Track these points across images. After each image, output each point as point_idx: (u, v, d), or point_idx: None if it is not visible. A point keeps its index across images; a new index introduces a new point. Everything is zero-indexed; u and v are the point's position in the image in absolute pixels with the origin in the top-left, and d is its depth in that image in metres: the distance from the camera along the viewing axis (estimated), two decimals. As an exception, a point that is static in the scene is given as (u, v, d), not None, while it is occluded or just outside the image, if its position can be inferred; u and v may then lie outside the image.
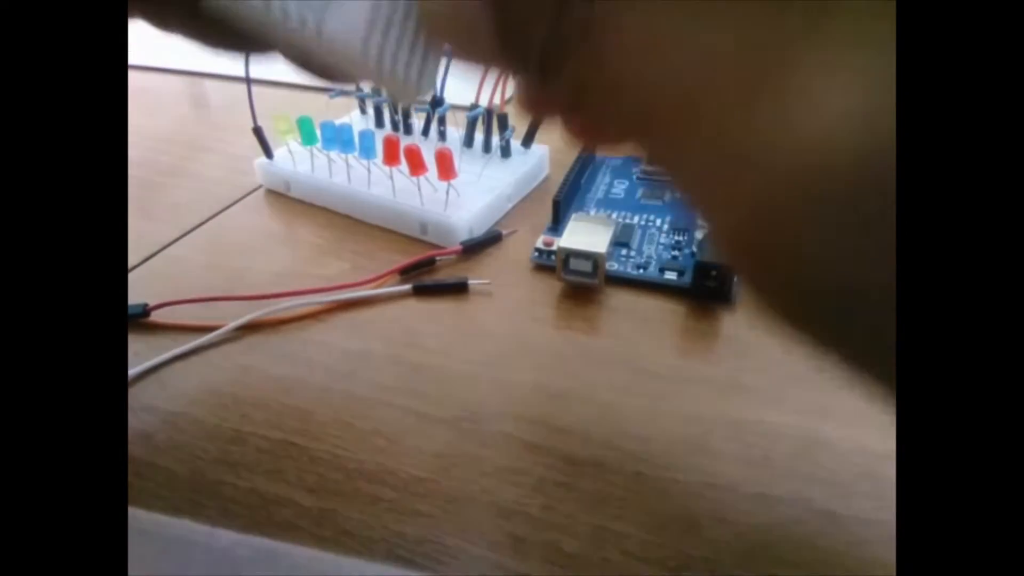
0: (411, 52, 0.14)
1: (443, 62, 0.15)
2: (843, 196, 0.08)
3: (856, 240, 0.08)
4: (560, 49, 0.11)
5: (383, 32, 0.14)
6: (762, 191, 0.09)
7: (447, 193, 0.27)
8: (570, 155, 0.30)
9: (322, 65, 0.15)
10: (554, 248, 0.24)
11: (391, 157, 0.27)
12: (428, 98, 0.15)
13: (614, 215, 0.28)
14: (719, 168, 0.10)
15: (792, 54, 0.09)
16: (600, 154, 0.15)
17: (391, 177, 0.28)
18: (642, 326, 0.23)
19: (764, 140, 0.09)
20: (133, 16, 0.15)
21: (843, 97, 0.08)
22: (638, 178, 0.31)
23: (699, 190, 0.11)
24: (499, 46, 0.12)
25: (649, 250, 0.26)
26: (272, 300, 0.24)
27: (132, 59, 0.48)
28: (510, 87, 0.32)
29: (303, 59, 0.15)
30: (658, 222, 0.27)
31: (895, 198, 0.08)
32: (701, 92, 0.10)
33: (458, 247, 0.26)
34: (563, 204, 0.27)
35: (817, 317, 0.10)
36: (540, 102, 0.14)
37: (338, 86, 0.16)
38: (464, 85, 0.29)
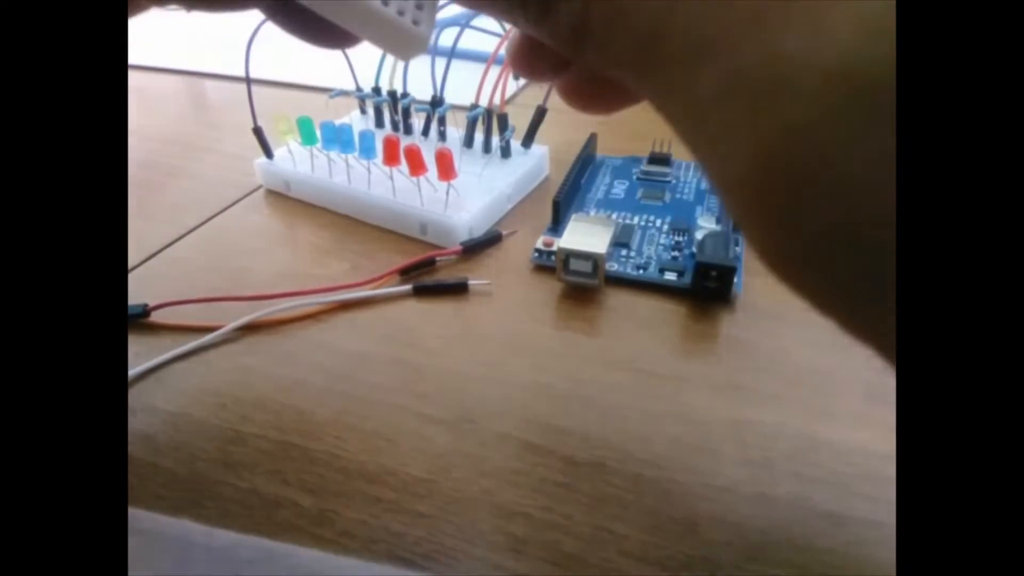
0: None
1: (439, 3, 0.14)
2: (881, 106, 0.08)
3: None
4: None
5: None
6: (793, 114, 0.08)
7: (447, 193, 0.27)
8: (570, 155, 0.30)
9: (311, 18, 0.14)
10: (554, 248, 0.24)
11: (391, 157, 0.27)
12: (425, 48, 0.14)
13: (614, 215, 0.28)
14: (738, 99, 0.09)
15: None
16: (595, 114, 0.15)
17: (391, 177, 0.28)
18: (642, 326, 0.23)
19: (793, 57, 0.08)
20: None
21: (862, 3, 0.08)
22: (638, 178, 0.31)
23: (713, 129, 0.10)
24: None
25: (649, 251, 0.26)
26: (272, 300, 0.24)
27: (132, 59, 0.48)
28: (511, 87, 0.32)
29: (293, 13, 0.14)
30: (658, 223, 0.27)
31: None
32: (717, 12, 0.09)
33: (458, 247, 0.26)
34: (563, 204, 0.27)
35: (842, 266, 0.09)
36: (534, 57, 0.13)
37: (325, 46, 0.15)
38: (464, 85, 0.29)
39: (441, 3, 0.15)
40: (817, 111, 0.08)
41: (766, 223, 0.09)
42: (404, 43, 0.14)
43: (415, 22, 0.13)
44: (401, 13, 0.13)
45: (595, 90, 0.14)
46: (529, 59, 0.14)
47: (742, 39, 0.09)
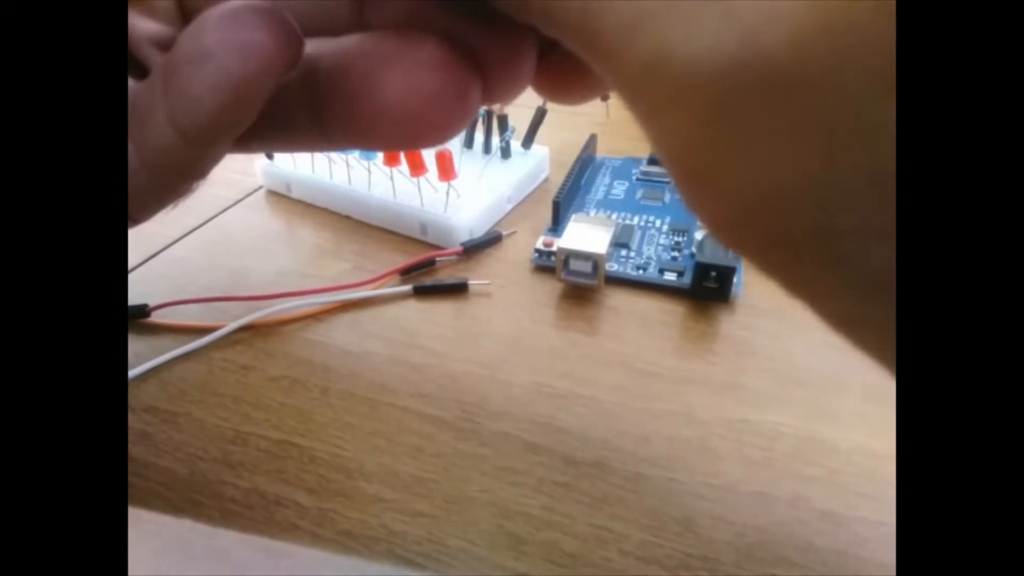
0: None
1: None
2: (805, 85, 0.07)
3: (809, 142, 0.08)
4: None
5: None
6: (701, 108, 0.08)
7: (447, 194, 0.27)
8: (570, 156, 0.30)
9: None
10: (554, 249, 0.24)
11: (391, 158, 0.27)
12: None
13: (614, 216, 0.28)
14: (659, 83, 0.09)
15: None
16: (560, 100, 0.15)
17: (391, 178, 0.28)
18: (642, 326, 0.23)
19: (703, 43, 0.08)
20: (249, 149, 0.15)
21: None
22: (638, 179, 0.31)
23: (642, 107, 0.09)
24: None
25: (649, 251, 0.26)
26: (273, 300, 0.24)
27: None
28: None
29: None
30: (658, 223, 0.27)
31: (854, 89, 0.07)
32: None
33: (458, 248, 0.26)
34: (563, 205, 0.27)
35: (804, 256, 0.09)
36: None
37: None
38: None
39: None
40: (709, 111, 0.08)
41: (701, 194, 0.09)
42: None
43: None
44: None
45: (559, 72, 0.14)
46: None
47: (667, 19, 0.08)
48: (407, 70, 0.12)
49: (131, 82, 0.13)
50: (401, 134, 0.13)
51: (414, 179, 0.27)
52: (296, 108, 0.14)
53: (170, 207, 0.14)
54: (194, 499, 0.18)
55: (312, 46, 0.13)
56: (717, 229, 0.09)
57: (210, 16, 0.11)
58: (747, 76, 0.08)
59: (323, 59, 0.13)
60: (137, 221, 0.14)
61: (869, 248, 0.08)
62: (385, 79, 0.12)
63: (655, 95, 0.09)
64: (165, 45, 0.13)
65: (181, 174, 0.13)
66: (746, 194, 0.08)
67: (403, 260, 0.26)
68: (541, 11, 0.10)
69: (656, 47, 0.08)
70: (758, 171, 0.08)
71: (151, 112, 0.12)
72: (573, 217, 0.25)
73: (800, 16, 0.07)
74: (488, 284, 0.25)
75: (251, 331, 0.23)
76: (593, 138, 0.32)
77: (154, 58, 0.13)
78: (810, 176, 0.08)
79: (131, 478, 0.18)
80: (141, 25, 0.14)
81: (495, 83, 0.12)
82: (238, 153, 0.15)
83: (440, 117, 0.12)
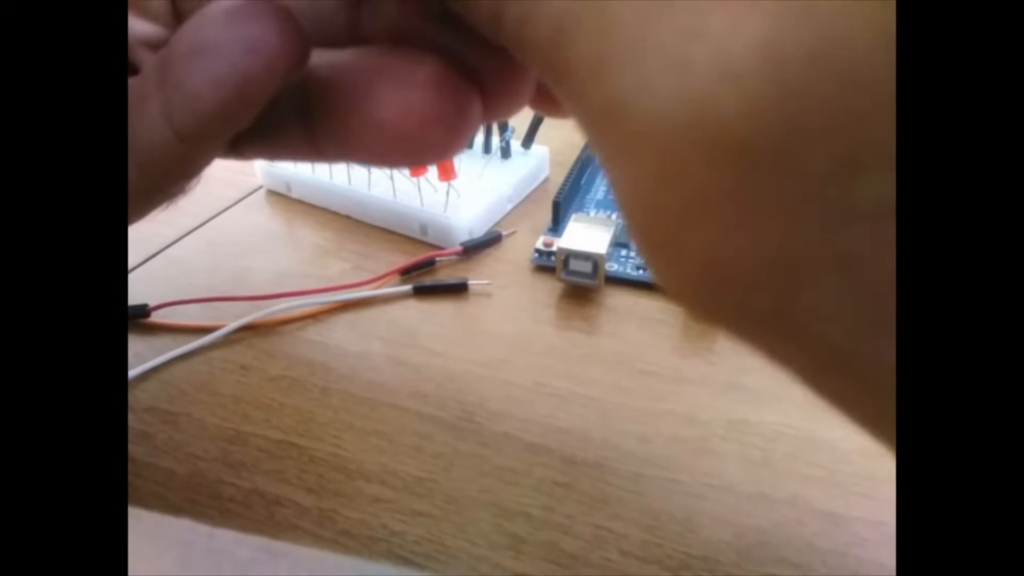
0: None
1: None
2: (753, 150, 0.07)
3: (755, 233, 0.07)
4: None
5: None
6: (655, 149, 0.07)
7: (447, 194, 0.27)
8: (570, 156, 0.30)
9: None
10: (554, 249, 0.24)
11: (391, 157, 0.27)
12: None
13: (614, 216, 0.28)
14: (615, 128, 0.08)
15: None
16: (544, 112, 0.14)
17: (391, 178, 0.28)
18: (642, 326, 0.23)
19: (653, 84, 0.07)
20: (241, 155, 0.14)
21: (742, 31, 0.07)
22: (638, 179, 0.30)
23: (601, 152, 0.09)
24: None
25: (649, 250, 0.26)
26: (272, 300, 0.24)
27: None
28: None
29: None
30: (658, 223, 0.27)
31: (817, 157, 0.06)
32: (611, 28, 0.08)
33: (458, 248, 0.26)
34: (563, 205, 0.27)
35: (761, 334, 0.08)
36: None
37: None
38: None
39: None
40: (682, 153, 0.07)
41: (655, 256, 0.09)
42: None
43: None
44: None
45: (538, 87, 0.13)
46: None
47: (629, 64, 0.08)
48: (405, 88, 0.11)
49: None
50: (396, 152, 0.12)
51: (414, 179, 0.27)
52: (289, 119, 0.13)
53: (159, 209, 0.14)
54: (194, 499, 0.18)
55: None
56: (676, 297, 0.09)
57: (214, 10, 0.11)
58: (699, 140, 0.07)
59: (318, 71, 0.12)
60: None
61: (831, 328, 0.07)
62: (382, 96, 0.11)
63: (611, 143, 0.08)
64: (158, 46, 0.13)
65: (170, 173, 0.13)
66: (701, 264, 0.08)
67: (403, 260, 0.26)
68: (512, 37, 0.09)
69: (615, 92, 0.08)
70: (714, 241, 0.07)
71: (143, 105, 0.12)
72: (573, 217, 0.25)
73: (755, 76, 0.06)
74: (488, 284, 0.25)
75: (251, 331, 0.23)
76: (593, 138, 0.32)
77: (146, 59, 0.13)
78: (768, 252, 0.07)
79: (131, 478, 0.18)
80: (134, 26, 0.13)
81: (494, 101, 0.12)
82: (227, 158, 0.14)
83: (438, 136, 0.12)
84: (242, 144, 0.13)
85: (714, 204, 0.07)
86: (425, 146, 0.12)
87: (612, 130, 0.08)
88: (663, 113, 0.07)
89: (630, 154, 0.08)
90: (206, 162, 0.13)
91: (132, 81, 0.12)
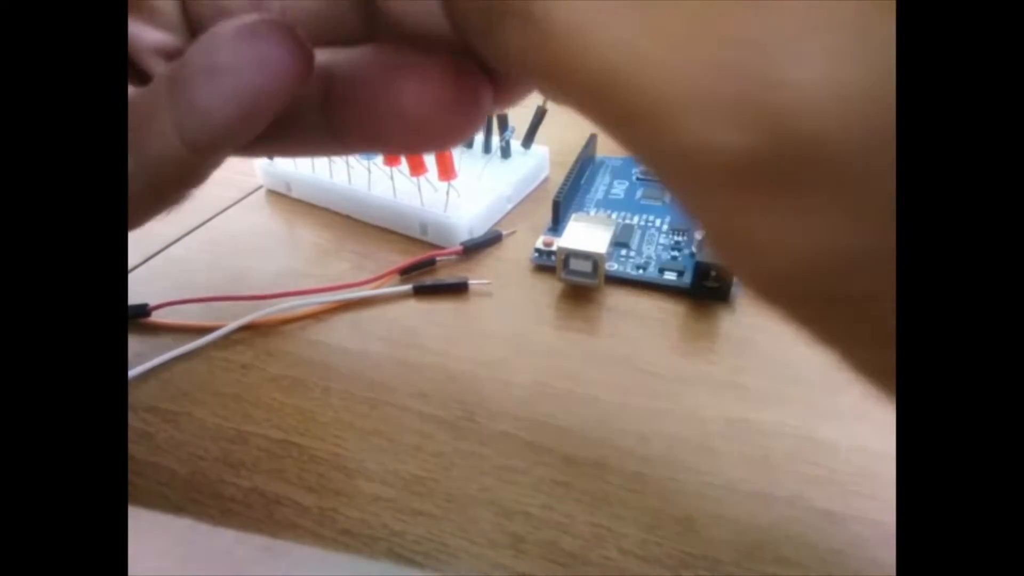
0: None
1: None
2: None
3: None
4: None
5: None
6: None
7: (447, 194, 0.27)
8: (570, 156, 0.30)
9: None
10: (554, 248, 0.25)
11: (391, 157, 0.27)
12: None
13: (614, 215, 0.28)
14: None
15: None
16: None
17: (391, 177, 0.28)
18: (642, 326, 0.23)
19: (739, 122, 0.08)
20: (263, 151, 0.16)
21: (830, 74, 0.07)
22: (638, 178, 0.31)
23: (673, 185, 0.09)
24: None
25: (649, 250, 0.26)
26: (272, 300, 0.24)
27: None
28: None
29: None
30: (658, 222, 0.27)
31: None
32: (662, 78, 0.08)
33: (458, 247, 0.26)
34: (563, 205, 0.27)
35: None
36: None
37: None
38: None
39: None
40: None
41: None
42: None
43: None
44: None
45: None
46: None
47: (694, 107, 0.08)
48: (423, 77, 0.12)
49: (131, 89, 0.14)
50: (416, 138, 0.13)
51: (414, 179, 0.27)
52: (310, 114, 0.14)
53: (163, 214, 0.15)
54: (194, 498, 0.18)
55: (326, 55, 0.13)
56: (753, 287, 0.10)
57: (225, 29, 0.12)
58: (775, 164, 0.08)
59: (338, 67, 0.13)
60: (129, 229, 0.14)
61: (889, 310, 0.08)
62: (402, 86, 0.12)
63: (686, 178, 0.09)
64: (168, 54, 0.14)
65: (180, 182, 0.14)
66: (779, 260, 0.09)
67: (403, 260, 0.26)
68: (537, 70, 0.10)
69: (685, 136, 0.08)
70: (792, 240, 0.08)
71: (153, 120, 0.12)
72: (573, 217, 0.25)
73: (821, 102, 0.07)
74: (488, 284, 0.25)
75: (251, 331, 0.23)
76: (593, 138, 0.32)
77: (157, 67, 0.14)
78: (838, 246, 0.08)
79: (131, 478, 0.18)
80: (143, 34, 0.14)
81: (505, 88, 0.13)
82: (243, 156, 0.15)
83: (454, 121, 0.13)
84: (260, 143, 0.14)
85: (791, 210, 0.08)
86: (442, 131, 0.13)
87: (686, 169, 0.09)
88: (742, 148, 0.08)
89: (708, 185, 0.09)
90: (214, 168, 0.14)
91: (141, 95, 0.13)
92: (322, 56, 0.13)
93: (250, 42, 0.12)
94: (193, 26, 0.14)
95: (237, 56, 0.12)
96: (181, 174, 0.13)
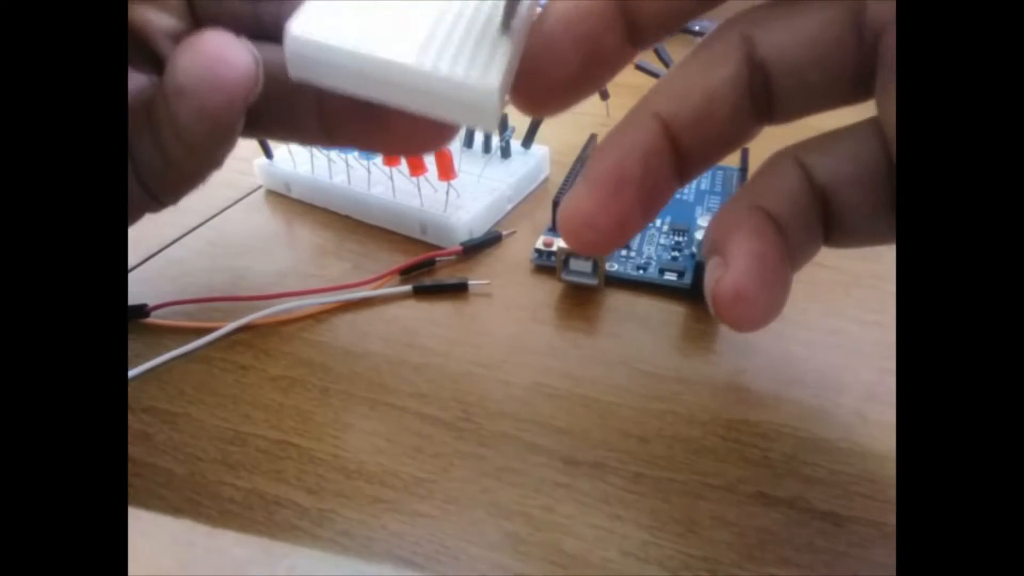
0: (474, 49, 0.12)
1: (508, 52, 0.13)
2: None
3: None
4: None
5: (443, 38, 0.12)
6: None
7: (447, 194, 0.27)
8: (570, 156, 0.30)
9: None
10: (554, 249, 0.24)
11: (391, 157, 0.27)
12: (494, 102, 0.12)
13: (614, 215, 0.28)
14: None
15: None
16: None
17: (391, 177, 0.28)
18: (642, 326, 0.23)
19: None
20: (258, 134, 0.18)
21: None
22: (638, 179, 0.30)
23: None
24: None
25: (649, 251, 0.26)
26: (272, 300, 0.24)
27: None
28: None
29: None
30: (658, 222, 0.27)
31: None
32: None
33: (458, 248, 0.26)
34: (563, 205, 0.27)
35: None
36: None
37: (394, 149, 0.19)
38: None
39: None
40: None
41: None
42: (469, 104, 0.12)
43: (471, 74, 0.12)
44: (465, 67, 0.12)
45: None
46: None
47: None
48: None
49: (149, 81, 0.15)
50: (405, 137, 0.14)
51: (414, 179, 0.27)
52: (306, 111, 0.15)
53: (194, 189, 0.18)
54: (193, 499, 0.18)
55: None
56: None
57: (181, 52, 0.13)
58: None
59: None
60: (164, 204, 0.17)
61: None
62: None
63: None
64: (179, 39, 0.14)
65: (189, 177, 0.17)
66: None
67: (403, 260, 0.26)
68: None
69: None
70: None
71: (149, 123, 0.14)
72: (573, 217, 0.25)
73: None
74: (488, 284, 0.25)
75: (251, 331, 0.23)
76: (593, 138, 0.32)
77: (169, 51, 0.15)
78: None
79: (131, 478, 0.18)
80: (156, 20, 0.15)
81: None
82: (247, 138, 0.17)
83: (434, 126, 0.14)
84: (257, 128, 0.15)
85: None
86: (430, 131, 0.14)
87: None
88: None
89: None
90: (209, 170, 0.17)
91: (134, 104, 0.14)
92: None
93: (199, 63, 0.13)
94: (195, 11, 0.15)
95: (189, 79, 0.13)
96: (182, 170, 0.16)
